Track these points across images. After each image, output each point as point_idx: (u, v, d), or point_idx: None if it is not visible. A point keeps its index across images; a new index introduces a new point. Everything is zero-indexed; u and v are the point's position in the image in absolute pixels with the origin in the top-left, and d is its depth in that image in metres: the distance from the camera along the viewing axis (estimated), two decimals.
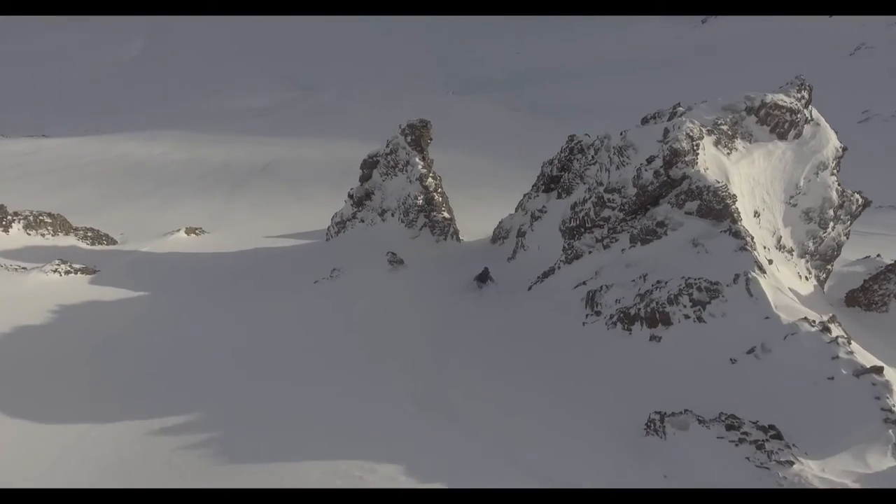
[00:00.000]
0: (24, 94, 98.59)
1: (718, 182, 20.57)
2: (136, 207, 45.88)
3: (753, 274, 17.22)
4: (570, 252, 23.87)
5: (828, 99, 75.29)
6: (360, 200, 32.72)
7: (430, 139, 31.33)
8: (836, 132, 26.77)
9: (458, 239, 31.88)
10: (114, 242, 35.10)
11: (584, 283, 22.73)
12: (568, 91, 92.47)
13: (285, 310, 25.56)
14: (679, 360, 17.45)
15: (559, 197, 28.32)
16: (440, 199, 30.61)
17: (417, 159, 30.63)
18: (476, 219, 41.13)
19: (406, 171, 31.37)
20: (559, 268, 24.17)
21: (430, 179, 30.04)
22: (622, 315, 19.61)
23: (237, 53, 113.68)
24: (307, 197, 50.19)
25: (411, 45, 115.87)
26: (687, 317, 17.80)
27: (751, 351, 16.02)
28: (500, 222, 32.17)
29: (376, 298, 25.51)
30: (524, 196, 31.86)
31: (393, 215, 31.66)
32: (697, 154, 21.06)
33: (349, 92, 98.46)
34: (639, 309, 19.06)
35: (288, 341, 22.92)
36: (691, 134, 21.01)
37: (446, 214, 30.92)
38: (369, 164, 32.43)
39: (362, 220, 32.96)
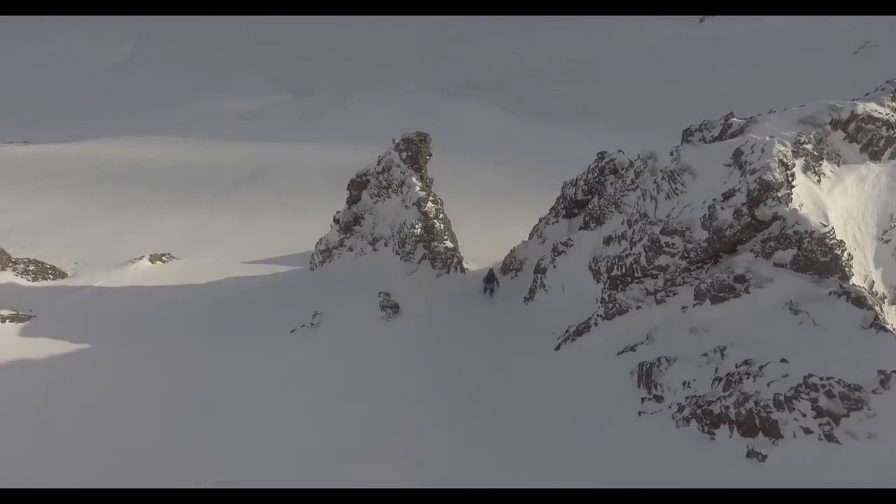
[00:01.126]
0: (7, 99, 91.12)
1: (824, 225, 14.39)
2: (106, 224, 39.30)
3: None
4: (611, 305, 17.68)
5: (835, 99, 69.35)
6: (347, 226, 26.39)
7: (430, 155, 24.98)
8: None
9: (462, 270, 25.62)
10: (62, 276, 28.63)
11: (632, 348, 16.60)
12: (565, 92, 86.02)
13: (252, 376, 19.36)
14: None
15: (587, 226, 22.09)
16: (442, 226, 24.32)
17: (414, 179, 24.31)
18: (478, 234, 35.23)
19: (401, 192, 25.03)
20: (596, 324, 18.01)
21: (429, 204, 23.73)
22: (699, 410, 13.46)
23: (229, 55, 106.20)
24: (295, 208, 43.70)
25: (404, 46, 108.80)
26: (808, 431, 11.67)
27: None
28: (511, 251, 25.95)
29: (364, 362, 19.33)
30: (540, 221, 25.64)
31: (386, 245, 25.36)
32: (793, 187, 14.86)
33: (342, 94, 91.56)
34: (726, 407, 12.89)
35: (252, 423, 16.82)
36: (785, 160, 14.81)
37: (449, 244, 24.65)
38: (358, 185, 26.07)
39: (350, 249, 26.63)
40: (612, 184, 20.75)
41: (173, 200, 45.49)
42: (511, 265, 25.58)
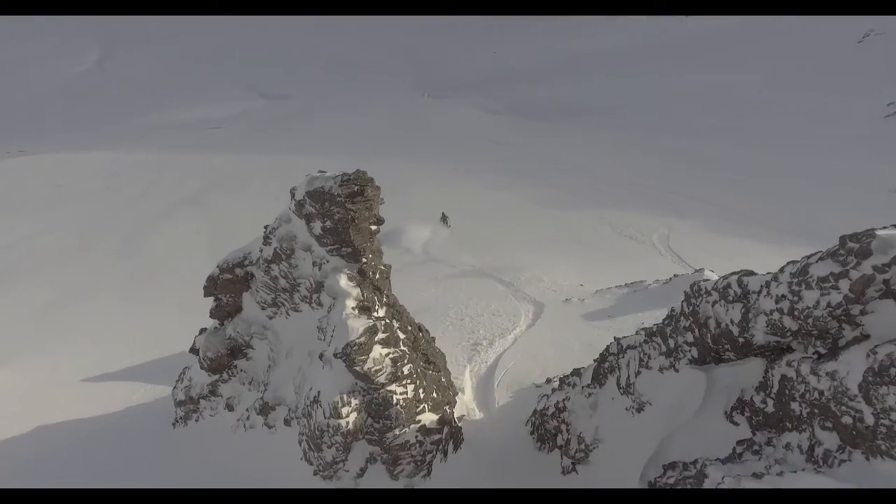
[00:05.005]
0: None
1: None
2: None
3: None
4: None
5: (844, 92, 53.82)
6: (217, 363, 10.69)
7: (377, 223, 9.22)
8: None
9: (459, 446, 10.29)
10: None
11: None
12: (551, 91, 70.03)
13: None
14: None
15: (788, 424, 6.86)
16: (412, 386, 8.68)
17: (343, 283, 8.75)
18: (473, 280, 21.44)
19: (318, 305, 9.38)
20: None
21: (376, 351, 8.10)
22: None
23: (200, 60, 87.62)
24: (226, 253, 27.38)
25: (383, 46, 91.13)
26: None
27: None
28: (561, 410, 10.63)
29: None
30: (619, 349, 10.26)
31: (289, 424, 9.75)
32: None
33: (317, 99, 74.50)
34: None
35: None
36: None
37: (431, 417, 9.06)
38: (229, 285, 10.33)
39: (230, 407, 11.08)
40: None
41: (58, 249, 29.20)
42: (556, 437, 10.40)
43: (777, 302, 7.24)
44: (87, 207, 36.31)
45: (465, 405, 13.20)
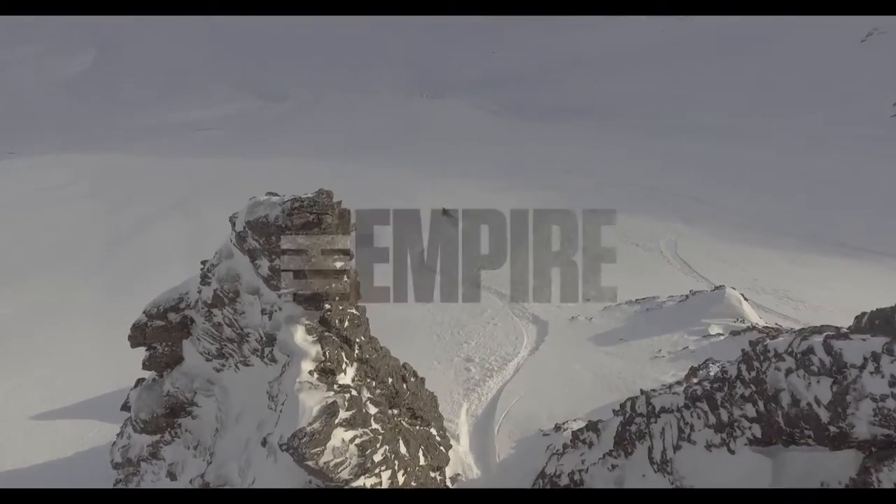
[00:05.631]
0: None
1: None
2: None
3: None
4: None
5: (847, 92, 51.47)
6: (154, 424, 8.37)
7: (349, 256, 6.90)
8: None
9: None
10: None
11: None
12: (550, 91, 67.68)
13: None
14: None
15: None
16: (398, 472, 6.38)
17: (299, 337, 6.42)
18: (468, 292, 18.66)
19: (270, 360, 7.06)
20: None
21: (341, 439, 5.83)
22: None
23: (198, 61, 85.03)
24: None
25: (381, 46, 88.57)
26: None
27: None
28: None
29: None
30: (649, 402, 7.97)
31: None
32: None
33: (315, 99, 72.00)
34: None
35: None
36: None
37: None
38: (161, 332, 7.98)
39: (172, 476, 8.73)
40: None
41: (29, 260, 26.81)
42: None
43: (892, 385, 5.05)
44: (68, 213, 34.03)
45: (461, 459, 10.99)
